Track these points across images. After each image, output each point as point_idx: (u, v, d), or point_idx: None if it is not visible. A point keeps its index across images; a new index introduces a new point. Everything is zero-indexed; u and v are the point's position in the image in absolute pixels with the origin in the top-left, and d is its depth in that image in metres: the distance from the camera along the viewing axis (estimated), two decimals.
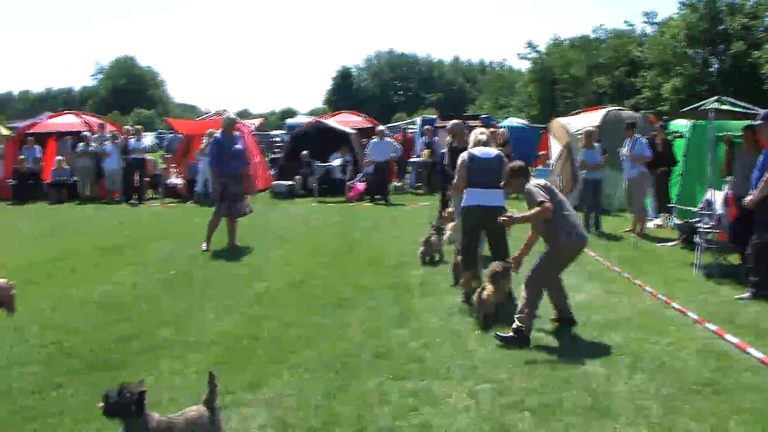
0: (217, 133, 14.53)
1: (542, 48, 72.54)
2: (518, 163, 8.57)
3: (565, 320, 8.46)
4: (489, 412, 6.04)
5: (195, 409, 4.93)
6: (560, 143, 20.81)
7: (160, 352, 7.72)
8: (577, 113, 24.96)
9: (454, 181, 10.00)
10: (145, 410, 4.62)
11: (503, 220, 8.18)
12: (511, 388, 6.55)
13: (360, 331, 8.39)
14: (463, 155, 9.78)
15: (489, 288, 8.54)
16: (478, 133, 10.05)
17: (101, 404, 4.60)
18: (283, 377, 6.90)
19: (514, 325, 7.86)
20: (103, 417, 4.67)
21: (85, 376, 6.94)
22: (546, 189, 8.02)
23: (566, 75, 65.68)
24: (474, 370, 7.05)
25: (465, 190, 9.70)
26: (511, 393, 6.42)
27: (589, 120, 20.60)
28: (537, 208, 7.83)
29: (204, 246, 13.82)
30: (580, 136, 17.72)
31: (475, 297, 8.67)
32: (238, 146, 14.32)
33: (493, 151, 9.68)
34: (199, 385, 6.34)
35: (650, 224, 16.35)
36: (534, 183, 8.17)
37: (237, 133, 14.57)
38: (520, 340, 7.75)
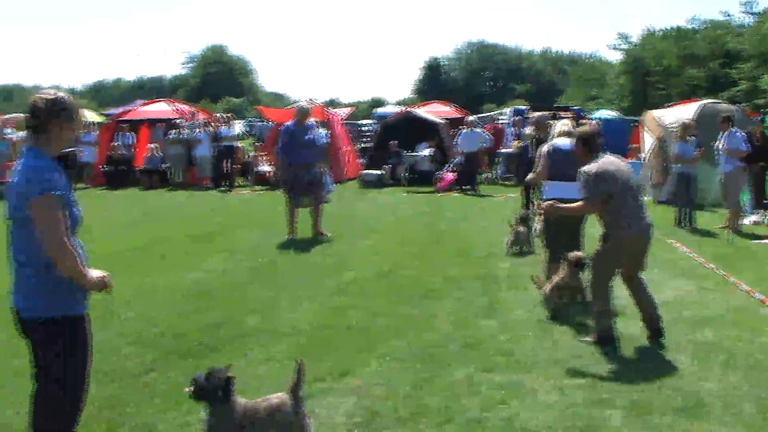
0: (289, 122, 14.40)
1: (634, 39, 71.19)
2: (588, 128, 8.38)
3: (650, 329, 7.82)
4: (577, 407, 5.99)
5: (278, 396, 5.00)
6: (653, 136, 20.43)
7: (248, 339, 7.86)
8: (670, 106, 24.40)
9: (535, 172, 9.88)
10: (232, 395, 4.72)
11: (546, 206, 7.97)
12: (600, 384, 6.48)
13: (448, 322, 8.41)
14: (546, 146, 9.65)
15: (560, 275, 8.53)
16: (562, 124, 9.89)
17: (190, 388, 4.72)
18: (371, 366, 6.97)
19: (592, 331, 7.74)
20: (191, 400, 4.80)
21: (174, 361, 7.13)
22: (600, 178, 7.49)
23: (659, 67, 64.24)
24: (563, 364, 6.99)
25: (546, 182, 9.55)
26: (600, 389, 6.35)
27: (683, 113, 20.12)
28: (580, 203, 7.65)
29: (289, 236, 13.91)
30: (673, 129, 17.37)
31: (547, 286, 8.59)
32: (310, 136, 14.15)
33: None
34: (287, 373, 6.44)
35: (746, 221, 15.90)
36: (587, 170, 7.58)
37: (310, 122, 14.48)
38: (602, 343, 7.50)
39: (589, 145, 7.88)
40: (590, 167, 7.55)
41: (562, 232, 9.35)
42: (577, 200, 8.64)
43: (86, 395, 4.55)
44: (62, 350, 4.36)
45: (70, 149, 17.24)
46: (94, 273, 4.40)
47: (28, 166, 4.22)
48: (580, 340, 7.68)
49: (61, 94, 4.40)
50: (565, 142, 9.35)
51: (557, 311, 8.45)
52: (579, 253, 8.65)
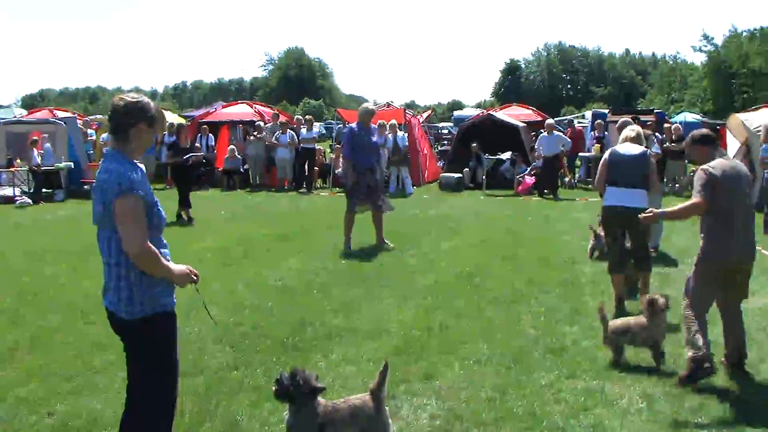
0: (353, 124, 13.92)
1: (718, 40, 69.72)
2: (703, 130, 7.59)
3: (730, 361, 7.02)
4: (664, 416, 5.92)
5: (360, 398, 5.04)
6: (738, 140, 20.02)
7: (332, 339, 7.94)
8: (756, 108, 23.84)
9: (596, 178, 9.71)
10: (314, 397, 4.79)
11: (645, 217, 7.28)
12: (688, 393, 6.38)
13: (532, 327, 8.39)
14: (606, 153, 9.48)
15: (641, 320, 7.33)
16: (630, 129, 9.70)
17: (274, 387, 4.79)
18: (455, 369, 6.99)
19: (687, 357, 6.72)
20: (274, 400, 4.87)
21: (258, 359, 7.22)
22: (714, 180, 6.74)
23: (744, 68, 62.81)
24: (649, 372, 6.91)
25: (606, 189, 9.23)
26: (689, 398, 6.27)
27: None
28: (687, 203, 6.93)
29: (349, 246, 13.32)
30: (759, 133, 16.99)
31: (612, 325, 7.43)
32: (375, 139, 13.82)
33: (638, 148, 9.14)
34: (370, 374, 6.51)
35: None
36: (706, 168, 6.87)
37: (374, 125, 13.88)
38: (702, 372, 6.55)
39: (708, 144, 7.18)
40: (710, 164, 6.88)
41: (621, 242, 9.15)
42: (635, 207, 8.42)
43: (177, 389, 4.67)
44: (155, 346, 4.49)
45: (191, 154, 17.48)
46: (178, 267, 4.51)
47: (109, 169, 4.31)
48: (679, 378, 6.75)
49: (140, 96, 4.51)
50: (627, 148, 9.14)
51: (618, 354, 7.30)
52: (657, 296, 7.40)
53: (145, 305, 4.37)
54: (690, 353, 6.63)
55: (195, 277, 4.58)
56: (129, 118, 4.38)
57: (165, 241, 4.55)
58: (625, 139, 9.40)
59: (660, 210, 7.35)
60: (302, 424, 4.76)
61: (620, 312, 8.83)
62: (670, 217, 7.38)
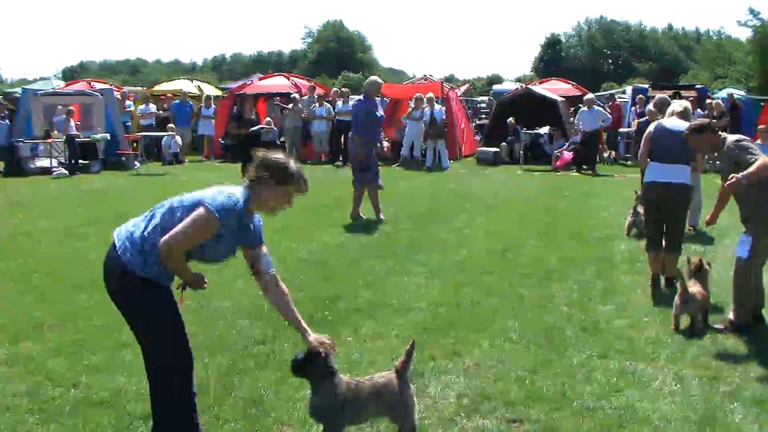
0: (360, 96, 13.85)
1: (765, 15, 68.36)
2: (702, 120, 7.91)
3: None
4: (696, 399, 5.77)
5: (385, 375, 4.93)
6: None
7: (363, 314, 7.85)
8: None
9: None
10: (333, 373, 4.70)
11: (729, 184, 7.01)
12: (723, 376, 6.21)
13: (564, 304, 8.23)
14: (651, 126, 9.24)
15: (695, 287, 7.56)
16: (678, 104, 9.47)
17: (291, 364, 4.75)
18: (484, 347, 6.86)
19: (728, 318, 7.40)
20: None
21: (286, 335, 7.05)
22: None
23: None
24: (682, 353, 6.74)
25: (649, 164, 9.02)
26: (724, 382, 6.10)
27: None
28: (759, 161, 6.90)
29: (358, 215, 13.43)
30: None
31: (677, 296, 7.48)
32: (380, 113, 13.80)
33: (684, 124, 8.72)
34: (400, 350, 6.40)
35: None
36: (735, 138, 7.34)
37: (379, 98, 13.67)
38: (734, 329, 7.22)
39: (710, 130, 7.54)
40: (735, 137, 7.42)
41: (661, 220, 8.93)
42: (679, 183, 8.46)
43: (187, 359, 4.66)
44: (140, 305, 4.55)
45: (260, 126, 17.32)
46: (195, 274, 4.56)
47: (231, 191, 4.39)
48: (713, 326, 7.36)
49: (292, 162, 4.50)
50: (674, 123, 8.88)
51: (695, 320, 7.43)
52: (699, 259, 7.93)
53: (148, 269, 4.39)
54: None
55: (205, 285, 4.62)
56: (274, 177, 4.43)
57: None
58: (672, 114, 9.20)
59: (741, 174, 6.90)
60: (323, 401, 4.69)
61: (656, 292, 8.66)
62: (751, 178, 6.90)
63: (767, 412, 5.55)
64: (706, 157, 9.86)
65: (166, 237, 4.22)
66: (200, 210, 4.22)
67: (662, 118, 9.99)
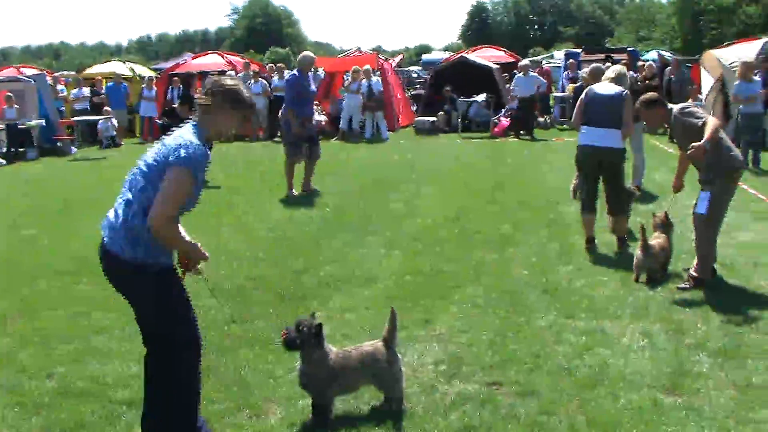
0: (294, 71, 13.91)
1: None
2: (651, 94, 8.03)
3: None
4: (666, 353, 5.93)
5: (371, 344, 5.01)
6: (713, 76, 19.99)
7: (330, 288, 7.89)
8: (729, 45, 23.75)
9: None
10: (322, 342, 4.77)
11: (693, 152, 7.13)
12: (687, 329, 6.40)
13: (524, 268, 8.36)
14: (584, 92, 9.41)
15: (660, 239, 7.97)
16: (611, 70, 9.60)
17: (281, 337, 4.77)
18: (453, 313, 6.96)
19: (689, 274, 7.56)
20: (277, 351, 4.83)
21: (257, 312, 7.13)
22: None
23: (712, 5, 62.60)
24: (645, 309, 6.92)
25: (581, 128, 9.16)
26: (689, 334, 6.28)
27: (743, 51, 19.63)
28: (711, 125, 7.12)
29: (292, 192, 13.43)
30: (735, 69, 16.98)
31: (639, 249, 7.78)
32: (313, 88, 13.94)
33: (615, 88, 9.02)
34: (372, 321, 6.52)
35: None
36: (679, 107, 7.61)
37: (311, 73, 13.74)
38: (698, 285, 7.41)
39: (659, 105, 7.79)
40: (680, 105, 7.73)
41: (592, 182, 9.14)
42: (610, 147, 8.72)
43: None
44: (149, 296, 4.43)
45: None
46: (192, 244, 4.48)
47: (185, 138, 4.26)
48: (677, 287, 7.47)
49: (237, 82, 4.51)
50: (605, 88, 9.08)
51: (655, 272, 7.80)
52: (664, 215, 8.23)
53: (141, 253, 4.29)
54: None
55: (205, 257, 4.56)
56: (221, 101, 4.38)
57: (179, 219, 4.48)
58: (605, 79, 9.37)
59: (703, 140, 7.06)
60: (314, 370, 4.74)
61: (592, 253, 8.89)
62: (710, 141, 7.08)
63: (731, 360, 5.74)
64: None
65: (152, 214, 4.12)
66: (174, 172, 4.14)
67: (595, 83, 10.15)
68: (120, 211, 4.31)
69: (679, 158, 7.88)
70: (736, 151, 7.60)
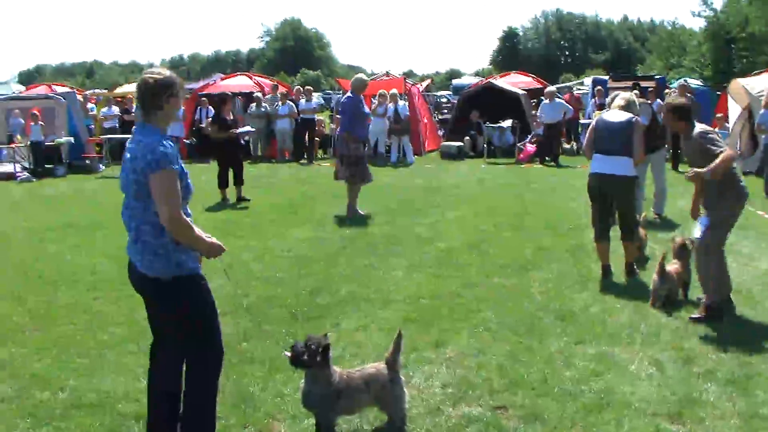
0: (349, 94, 13.84)
1: (717, 5, 69.04)
2: (681, 100, 8.07)
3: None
4: (674, 381, 5.95)
5: (375, 366, 5.10)
6: (740, 105, 19.95)
7: (345, 308, 7.97)
8: (758, 73, 23.68)
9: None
10: (329, 362, 4.84)
11: (689, 177, 7.45)
12: (698, 357, 6.42)
13: (541, 293, 8.42)
14: (594, 119, 9.43)
15: (676, 265, 8.11)
16: (619, 98, 9.61)
17: (288, 354, 4.85)
18: (466, 337, 7.02)
19: (703, 304, 7.56)
20: (287, 371, 4.88)
21: (268, 330, 7.22)
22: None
23: (744, 33, 62.20)
24: (656, 336, 6.95)
25: (592, 156, 9.17)
26: (698, 363, 6.30)
27: None
28: (722, 156, 7.20)
29: (360, 212, 13.44)
30: (762, 97, 16.94)
31: (656, 274, 7.91)
32: (367, 110, 14.00)
33: (624, 115, 9.01)
34: (382, 342, 6.55)
35: None
36: (704, 130, 7.58)
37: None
38: (713, 317, 7.36)
39: (685, 117, 7.71)
40: (703, 127, 7.64)
41: (604, 211, 9.12)
42: (619, 175, 8.71)
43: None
44: (190, 307, 4.59)
45: (242, 129, 17.28)
46: (209, 239, 4.57)
47: (144, 143, 4.38)
48: (690, 317, 7.46)
49: (168, 72, 4.62)
50: (614, 116, 9.09)
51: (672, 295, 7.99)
52: (683, 239, 8.41)
53: (169, 266, 4.44)
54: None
55: (224, 249, 4.65)
56: (161, 93, 4.49)
57: (189, 211, 4.62)
58: (615, 107, 9.38)
59: (705, 169, 7.24)
60: (319, 390, 4.80)
61: (608, 280, 8.91)
62: (712, 172, 7.21)
63: (740, 391, 5.74)
64: (666, 146, 9.95)
65: (163, 216, 4.27)
66: (156, 179, 4.28)
67: None
68: (134, 234, 4.49)
69: (695, 186, 7.87)
70: (744, 183, 7.62)
